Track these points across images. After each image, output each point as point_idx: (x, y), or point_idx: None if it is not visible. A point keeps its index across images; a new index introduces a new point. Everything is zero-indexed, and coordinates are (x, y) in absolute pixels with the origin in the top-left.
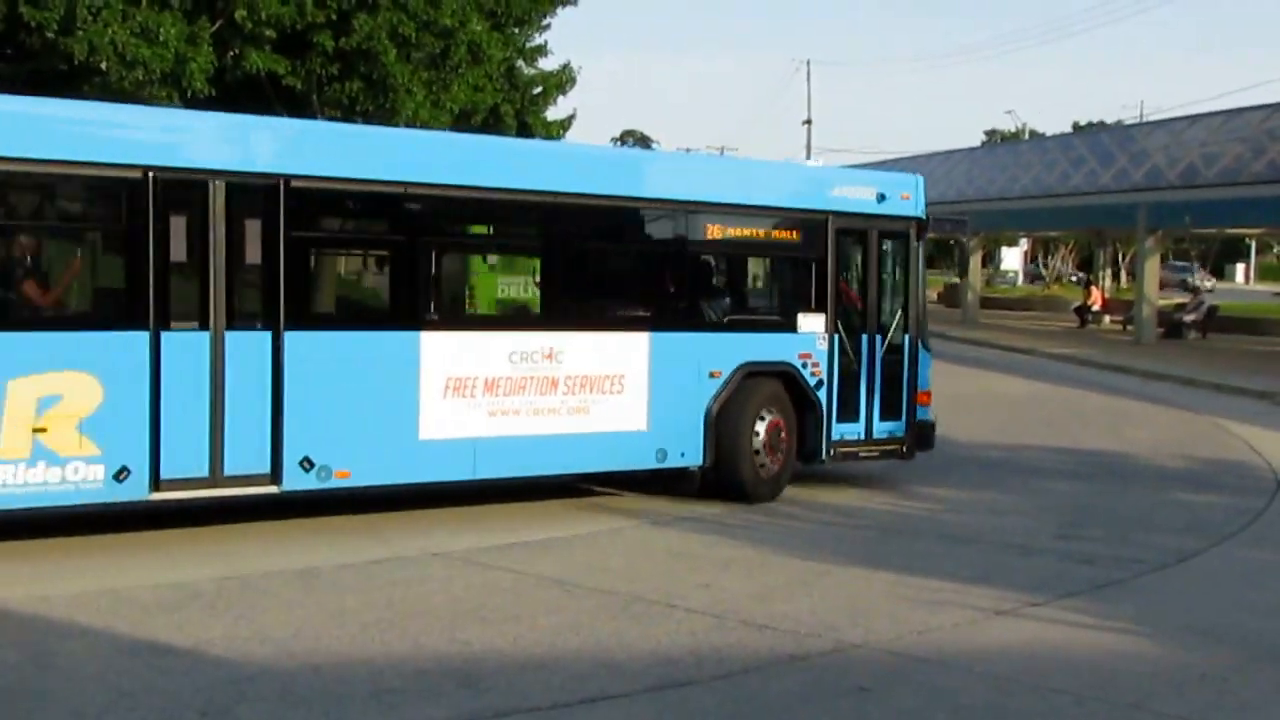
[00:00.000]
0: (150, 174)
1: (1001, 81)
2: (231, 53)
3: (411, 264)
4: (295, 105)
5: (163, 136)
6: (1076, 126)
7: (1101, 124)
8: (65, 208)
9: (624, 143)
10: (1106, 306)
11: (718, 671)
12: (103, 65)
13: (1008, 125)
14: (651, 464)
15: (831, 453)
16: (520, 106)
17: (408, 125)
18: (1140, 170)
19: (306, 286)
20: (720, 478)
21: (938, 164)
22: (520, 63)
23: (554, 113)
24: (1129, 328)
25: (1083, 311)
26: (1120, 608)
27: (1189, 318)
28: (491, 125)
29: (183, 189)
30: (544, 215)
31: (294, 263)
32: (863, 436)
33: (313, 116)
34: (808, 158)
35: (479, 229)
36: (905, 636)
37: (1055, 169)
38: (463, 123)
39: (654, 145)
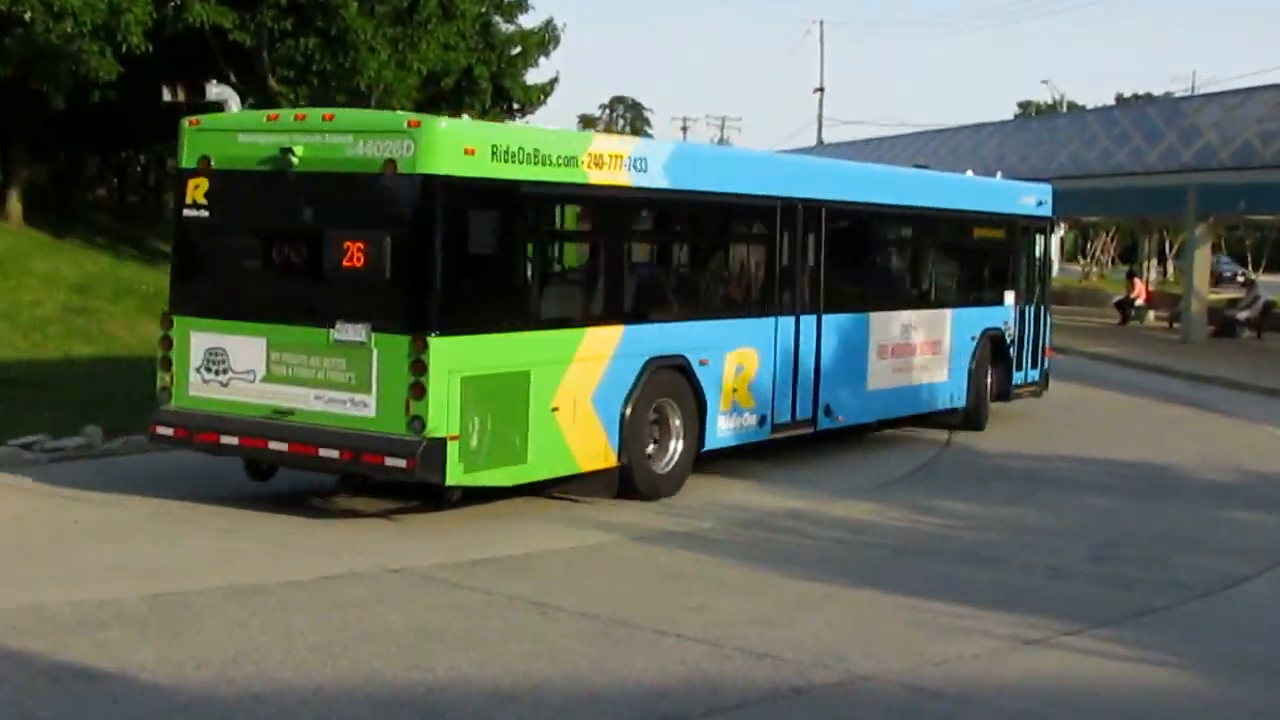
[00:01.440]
0: (778, 204)
1: (1037, 47)
2: (173, 3)
3: (868, 262)
4: (243, 63)
5: (778, 173)
6: (1120, 99)
7: (1148, 97)
8: (743, 228)
9: (613, 110)
10: (1151, 301)
11: (712, 704)
12: (27, 16)
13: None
14: (946, 406)
15: (1012, 395)
16: (497, 68)
17: (369, 87)
18: (1190, 149)
19: (830, 281)
20: (969, 416)
21: (964, 139)
22: (497, 18)
23: (534, 75)
24: (1176, 325)
25: (1124, 306)
26: (1161, 638)
27: (1243, 315)
28: (465, 88)
29: (788, 213)
30: (918, 224)
31: (828, 263)
32: (1025, 381)
33: (262, 76)
34: (819, 130)
35: (895, 235)
36: (921, 668)
37: (1095, 146)
38: (431, 86)
39: (646, 114)
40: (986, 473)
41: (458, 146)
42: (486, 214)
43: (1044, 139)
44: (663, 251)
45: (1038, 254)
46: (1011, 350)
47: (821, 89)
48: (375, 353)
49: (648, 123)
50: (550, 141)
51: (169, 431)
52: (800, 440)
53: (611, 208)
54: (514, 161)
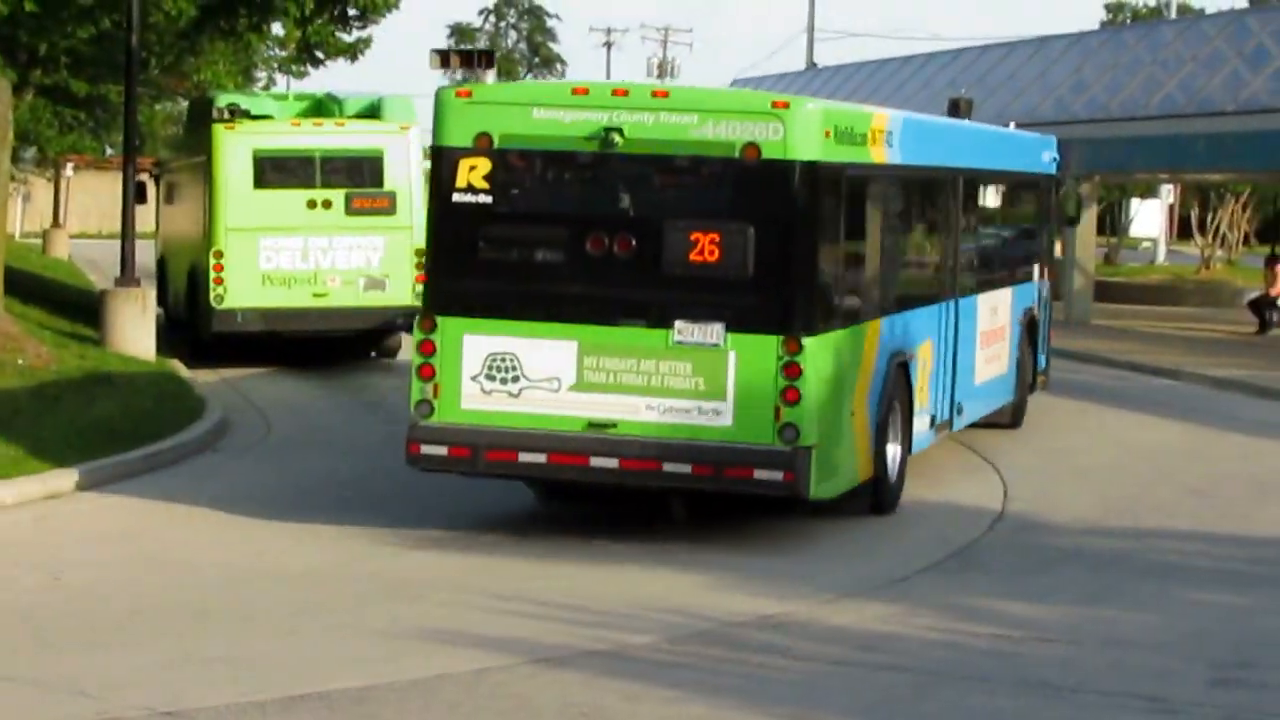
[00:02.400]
0: (957, 176)
1: None
2: None
3: (974, 237)
4: None
5: (959, 140)
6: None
7: None
8: (937, 205)
9: (499, 19)
10: None
11: None
12: None
13: None
14: (1004, 402)
15: (1036, 383)
16: None
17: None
18: None
19: (963, 261)
20: (1015, 411)
21: (1024, 60)
22: None
23: None
24: None
25: (1264, 307)
26: None
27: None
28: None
29: (955, 185)
30: (997, 190)
31: (961, 241)
32: (1041, 369)
33: None
34: (809, 48)
35: (987, 205)
36: None
37: (1220, 70)
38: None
39: (551, 23)
40: (1055, 556)
41: (822, 130)
42: (838, 202)
43: (1143, 59)
44: (899, 235)
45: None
46: (1040, 333)
47: None
48: (732, 355)
49: (553, 36)
50: (854, 117)
51: (440, 451)
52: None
53: (885, 187)
54: (845, 143)
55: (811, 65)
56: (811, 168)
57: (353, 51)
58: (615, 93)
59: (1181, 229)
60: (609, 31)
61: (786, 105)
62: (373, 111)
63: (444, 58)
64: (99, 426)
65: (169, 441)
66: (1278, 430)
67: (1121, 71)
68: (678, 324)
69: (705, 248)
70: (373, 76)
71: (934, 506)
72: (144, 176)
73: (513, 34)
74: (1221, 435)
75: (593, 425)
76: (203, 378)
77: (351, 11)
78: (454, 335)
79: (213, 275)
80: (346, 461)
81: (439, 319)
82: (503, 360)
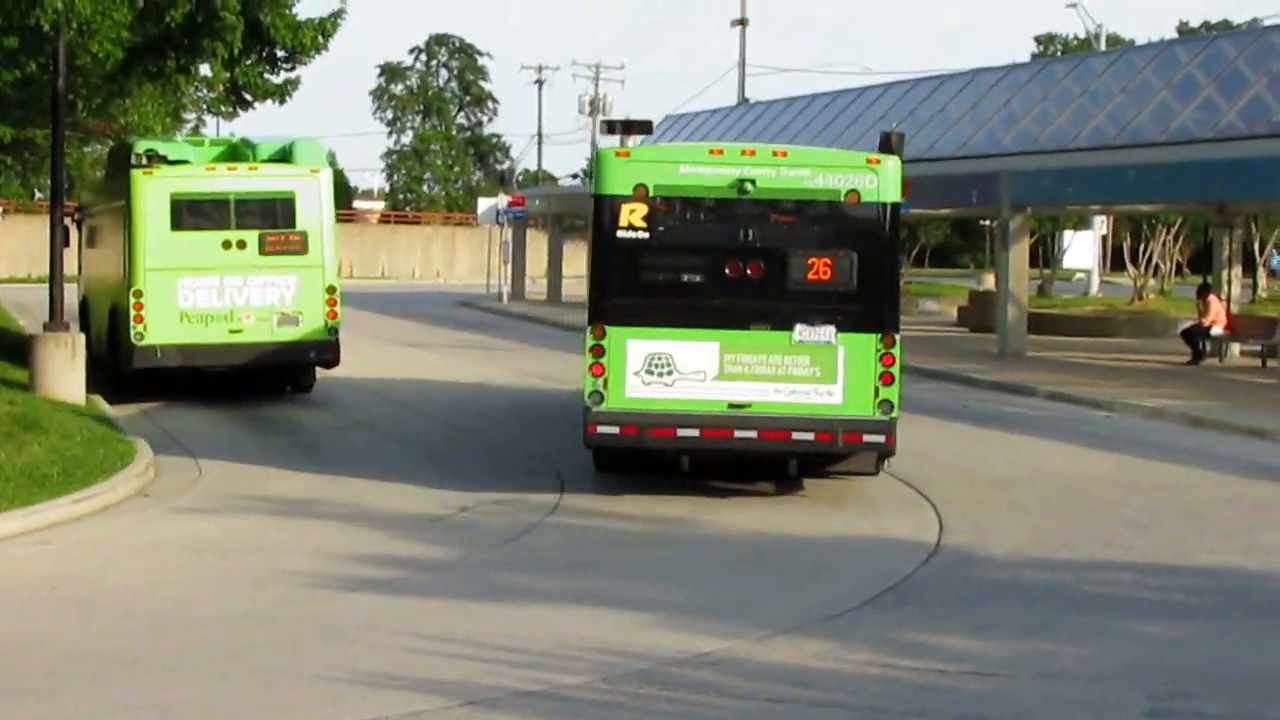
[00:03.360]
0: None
1: None
2: None
3: None
4: None
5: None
6: (1183, 30)
7: (1224, 25)
8: None
9: (430, 56)
10: (1233, 328)
11: None
12: None
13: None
14: None
15: None
16: None
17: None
18: None
19: None
20: None
21: (954, 93)
22: None
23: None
24: (1271, 362)
25: (1197, 336)
26: None
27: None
28: (202, 26)
29: None
30: None
31: None
32: None
33: None
34: (741, 83)
35: None
36: None
37: (1149, 100)
38: (154, 22)
39: (481, 61)
40: (992, 590)
41: (900, 179)
42: (899, 232)
43: (1073, 91)
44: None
45: None
46: None
47: (744, 21)
48: (841, 349)
49: (483, 74)
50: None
51: (613, 430)
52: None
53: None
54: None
55: (744, 100)
56: (896, 207)
57: (281, 93)
58: (744, 152)
59: (1114, 260)
60: (540, 69)
61: (878, 161)
62: (284, 155)
63: (611, 126)
64: (28, 472)
65: (99, 487)
66: (1212, 460)
67: (1051, 104)
68: (798, 327)
69: (819, 269)
70: (306, 116)
71: (869, 540)
72: (67, 221)
73: (444, 72)
74: (1156, 465)
75: (733, 406)
76: (126, 413)
77: (279, 53)
78: (619, 340)
79: (133, 314)
80: (280, 505)
81: (608, 328)
82: (659, 359)
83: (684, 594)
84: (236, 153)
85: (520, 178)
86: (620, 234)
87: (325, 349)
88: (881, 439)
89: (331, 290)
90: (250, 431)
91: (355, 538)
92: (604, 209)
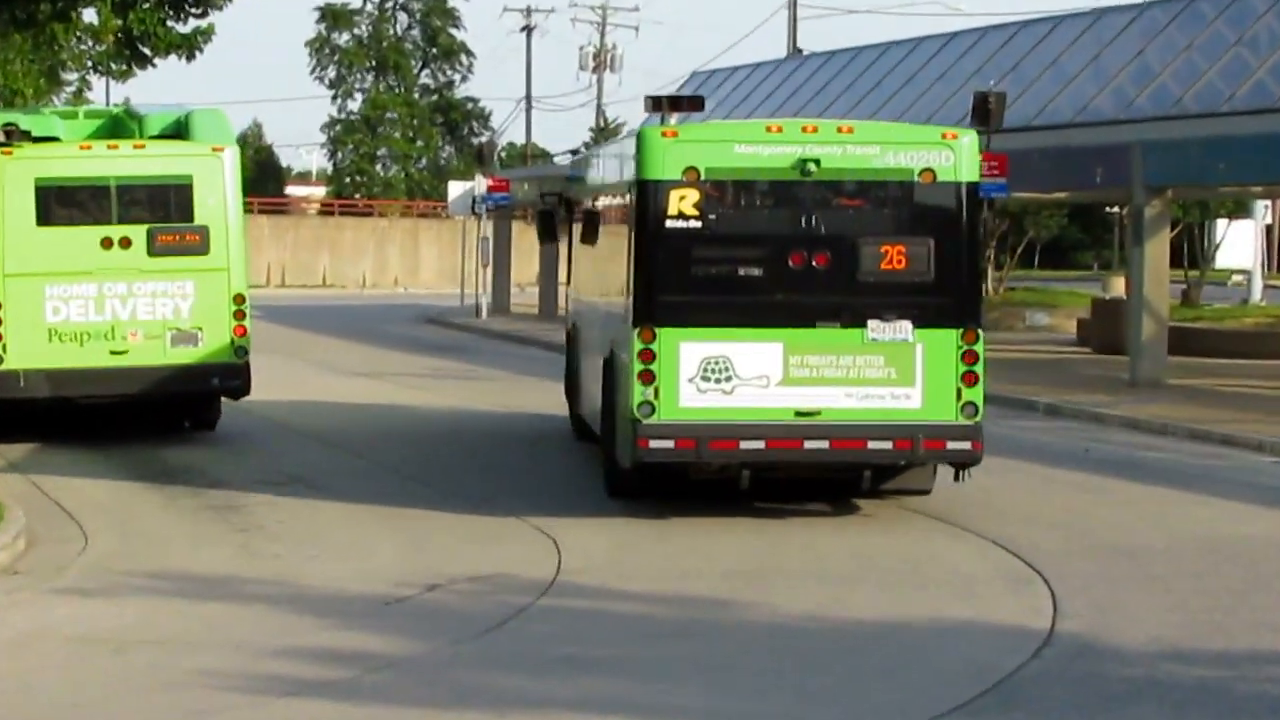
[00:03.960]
0: None
1: None
2: None
3: None
4: None
5: None
6: None
7: None
8: None
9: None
10: None
11: None
12: None
13: None
14: None
15: None
16: None
17: None
18: None
19: None
20: None
21: (1070, 40)
22: None
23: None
24: None
25: None
26: None
27: None
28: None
29: None
30: None
31: None
32: None
33: None
34: (791, 31)
35: None
36: None
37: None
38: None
39: (451, 1)
40: (1122, 691)
41: (978, 156)
42: (981, 215)
43: (1225, 36)
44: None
45: None
46: None
47: None
48: (919, 347)
49: (454, 19)
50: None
51: (667, 444)
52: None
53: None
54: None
55: (795, 52)
56: (975, 187)
57: (189, 45)
58: (806, 129)
59: None
60: (529, 12)
61: (955, 136)
62: (179, 130)
63: (656, 102)
64: None
65: None
66: None
67: (1199, 53)
68: (871, 323)
69: (893, 258)
70: (222, 77)
71: (961, 625)
72: None
73: (402, 17)
74: None
75: (799, 414)
76: None
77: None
78: (671, 344)
79: None
80: (191, 584)
81: (658, 330)
82: (717, 363)
83: (717, 700)
84: (119, 127)
85: (504, 155)
86: (669, 224)
87: (231, 374)
88: (967, 445)
89: (239, 300)
90: (150, 487)
91: (289, 627)
92: (650, 196)
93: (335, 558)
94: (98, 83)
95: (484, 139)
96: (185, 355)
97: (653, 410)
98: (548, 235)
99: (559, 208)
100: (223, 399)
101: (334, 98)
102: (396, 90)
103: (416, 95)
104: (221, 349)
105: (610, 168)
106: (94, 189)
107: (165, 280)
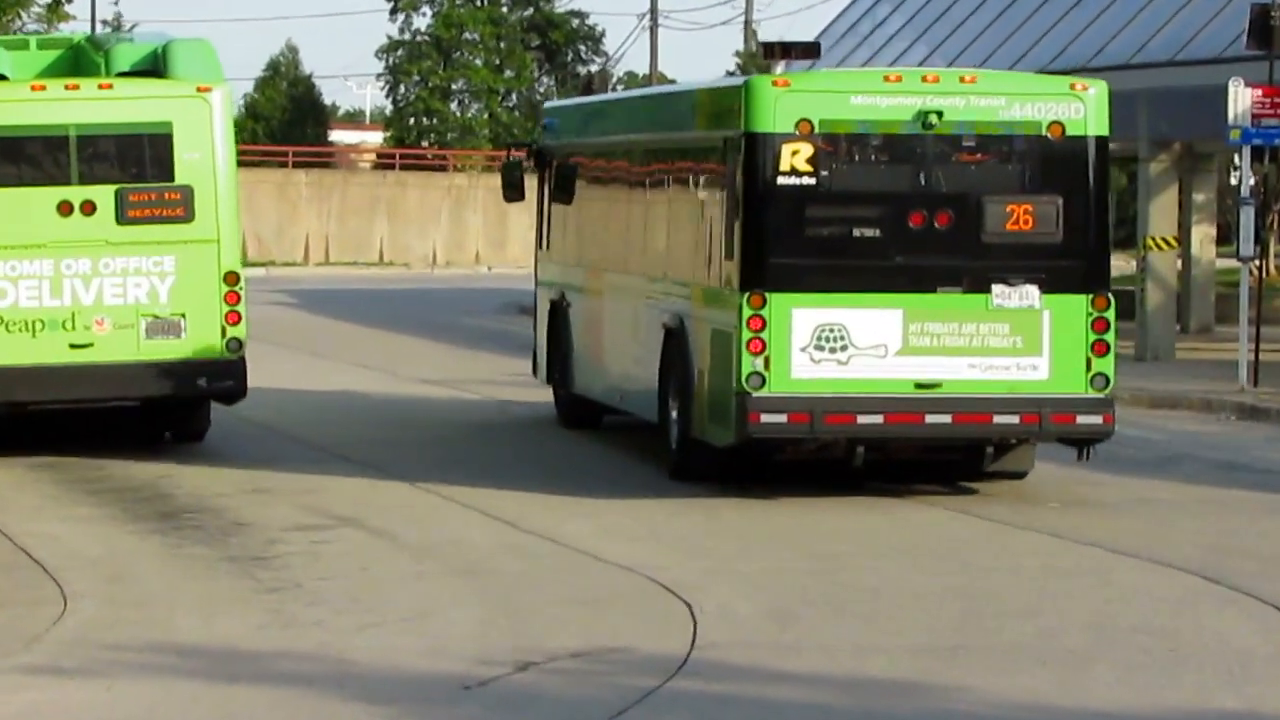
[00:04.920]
0: None
1: None
2: None
3: None
4: None
5: None
6: None
7: None
8: None
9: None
10: None
11: None
12: None
13: None
14: None
15: None
16: None
17: None
18: None
19: None
20: None
21: None
22: None
23: None
24: None
25: None
26: None
27: None
28: None
29: None
30: None
31: None
32: None
33: None
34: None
35: None
36: None
37: None
38: None
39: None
40: None
41: (1108, 108)
42: (1108, 173)
43: None
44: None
45: None
46: None
47: None
48: (1046, 314)
49: None
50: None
51: (780, 419)
52: None
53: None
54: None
55: None
56: (1105, 142)
57: None
58: (926, 79)
59: None
60: None
61: (1085, 87)
62: (155, 64)
63: (769, 49)
64: None
65: None
66: None
67: None
68: (996, 288)
69: (1019, 218)
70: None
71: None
72: None
73: None
74: None
75: (919, 386)
76: None
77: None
78: (782, 310)
79: None
80: (203, 660)
81: (769, 296)
82: (831, 331)
83: None
84: (80, 61)
85: (621, 88)
86: (781, 180)
87: (223, 372)
88: (1098, 420)
89: (232, 279)
90: (147, 529)
91: (334, 718)
92: (759, 150)
93: (395, 625)
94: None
95: (595, 67)
96: (164, 349)
97: (763, 382)
98: (515, 192)
99: (534, 162)
100: (211, 403)
101: (393, 13)
102: (478, 2)
103: (504, 9)
104: (210, 341)
105: (668, 117)
106: (48, 140)
107: (139, 255)
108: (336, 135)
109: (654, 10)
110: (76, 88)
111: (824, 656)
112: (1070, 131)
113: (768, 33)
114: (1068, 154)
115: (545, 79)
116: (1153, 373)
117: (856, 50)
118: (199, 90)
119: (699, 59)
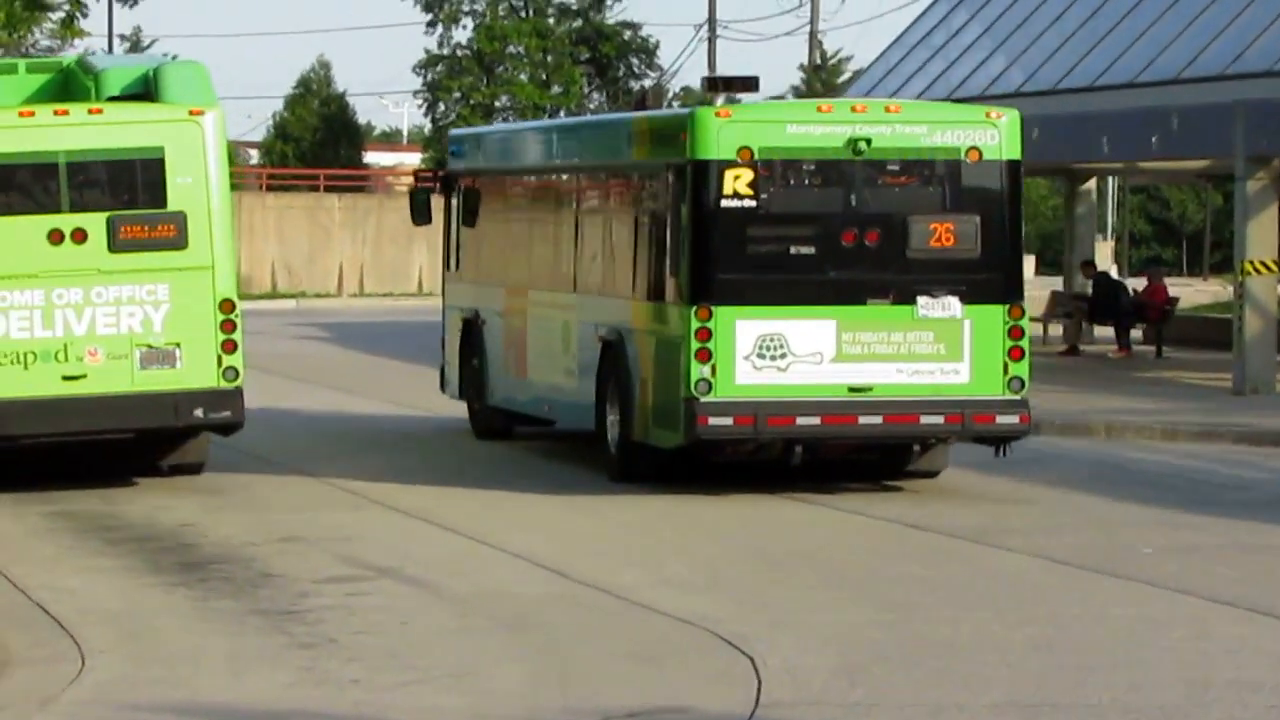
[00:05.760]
0: None
1: None
2: None
3: None
4: None
5: None
6: None
7: None
8: None
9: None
10: None
11: None
12: None
13: None
14: None
15: None
16: None
17: None
18: None
19: None
20: None
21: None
22: None
23: None
24: None
25: None
26: None
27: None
28: None
29: None
30: None
31: None
32: None
33: None
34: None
35: None
36: None
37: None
38: None
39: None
40: None
41: (1020, 133)
42: (1021, 194)
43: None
44: None
45: None
46: None
47: None
48: (967, 324)
49: None
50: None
51: (726, 421)
52: None
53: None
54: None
55: None
56: (1018, 165)
57: None
58: (855, 109)
59: None
60: None
61: (1000, 115)
62: (147, 88)
63: (712, 83)
64: None
65: None
66: None
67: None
68: (921, 300)
69: (941, 235)
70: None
71: None
72: None
73: None
74: None
75: (853, 390)
76: None
77: None
78: (727, 322)
79: None
80: None
81: (714, 309)
82: (772, 340)
83: None
84: (70, 85)
85: (677, 104)
86: (725, 203)
87: (220, 402)
88: (1015, 420)
89: (228, 306)
90: (167, 579)
91: None
92: (703, 176)
93: (437, 683)
94: (97, 8)
95: (649, 82)
96: (160, 380)
97: (710, 388)
98: (422, 216)
99: (443, 186)
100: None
101: (431, 25)
102: (522, 13)
103: (551, 20)
104: (206, 371)
105: (602, 145)
106: (37, 168)
107: (132, 283)
108: (371, 157)
109: (712, 20)
110: (66, 113)
111: (898, 716)
112: (986, 156)
113: (832, 43)
114: (984, 177)
115: (596, 95)
116: (1253, 407)
117: (929, 62)
118: (191, 113)
119: (760, 72)
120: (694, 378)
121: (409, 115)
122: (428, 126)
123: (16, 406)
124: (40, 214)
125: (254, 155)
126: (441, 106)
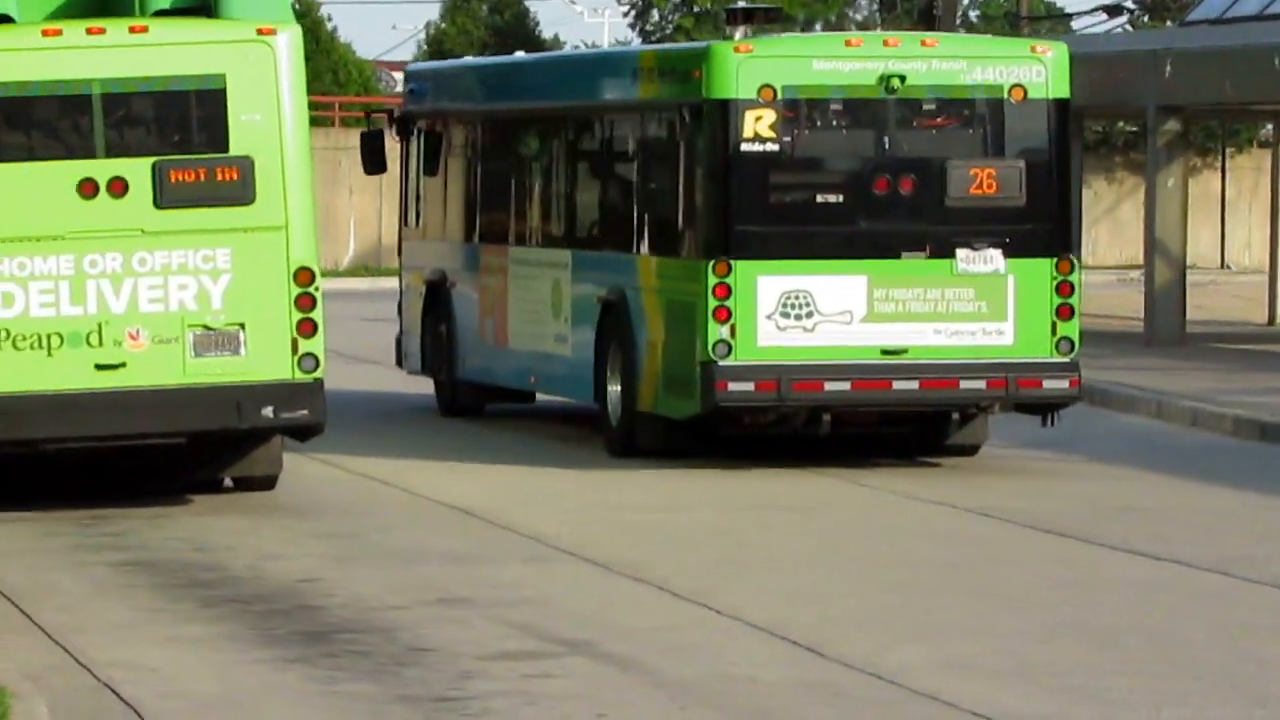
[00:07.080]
0: None
1: None
2: None
3: None
4: None
5: None
6: None
7: None
8: None
9: None
10: None
11: None
12: None
13: None
14: None
15: None
16: None
17: None
18: None
19: None
20: None
21: None
22: None
23: None
24: None
25: None
26: None
27: None
28: None
29: None
30: None
31: None
32: None
33: None
34: None
35: None
36: None
37: None
38: None
39: None
40: None
41: (1069, 69)
42: (1068, 136)
43: None
44: None
45: None
46: None
47: None
48: (1011, 279)
49: None
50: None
51: (747, 387)
52: None
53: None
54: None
55: None
56: (1066, 105)
57: None
58: (887, 43)
59: None
60: None
61: (1046, 50)
62: (203, 2)
63: (731, 15)
64: None
65: None
66: None
67: None
68: (960, 253)
69: (983, 181)
70: None
71: None
72: None
73: None
74: None
75: (886, 352)
76: None
77: None
78: (748, 277)
79: None
80: None
81: (734, 263)
82: (797, 298)
83: None
84: None
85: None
86: (745, 147)
87: (295, 399)
88: (1064, 384)
89: (305, 277)
90: (281, 659)
91: None
92: (721, 117)
93: None
94: None
95: None
96: (218, 370)
97: (729, 350)
98: (375, 164)
99: (400, 130)
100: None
101: None
102: None
103: None
104: (277, 359)
105: (600, 84)
106: (65, 100)
107: (183, 248)
108: None
109: None
110: (102, 31)
111: None
112: (1032, 94)
113: None
114: (1029, 117)
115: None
116: None
117: None
118: (260, 33)
119: None
120: (711, 339)
121: (609, 27)
122: (635, 41)
123: (37, 403)
124: (69, 159)
125: (400, 80)
126: (654, 14)
